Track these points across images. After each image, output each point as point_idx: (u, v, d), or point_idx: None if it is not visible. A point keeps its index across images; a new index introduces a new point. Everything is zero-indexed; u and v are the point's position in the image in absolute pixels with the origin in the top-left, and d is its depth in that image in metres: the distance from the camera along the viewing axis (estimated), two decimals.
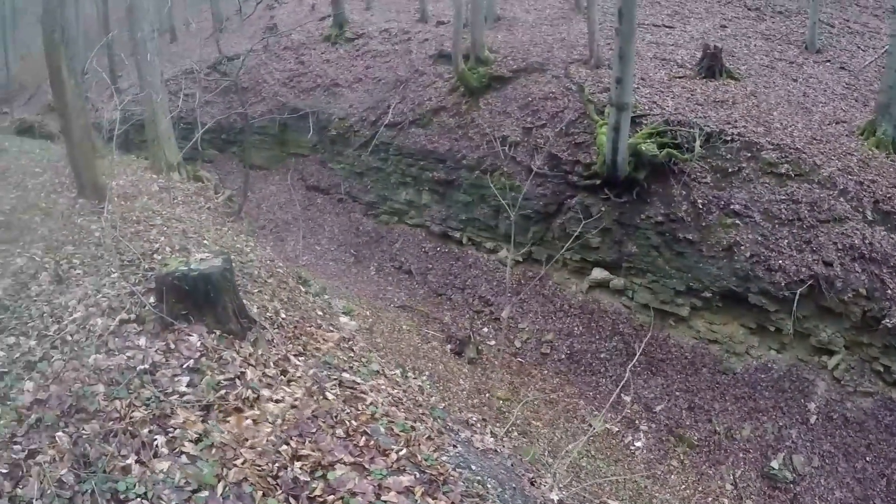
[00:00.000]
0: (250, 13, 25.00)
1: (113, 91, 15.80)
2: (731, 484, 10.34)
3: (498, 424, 9.30)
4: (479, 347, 12.29)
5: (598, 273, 13.39)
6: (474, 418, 8.17)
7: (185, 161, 14.14)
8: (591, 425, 11.71)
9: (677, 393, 12.29)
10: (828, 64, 15.38)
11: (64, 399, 4.09)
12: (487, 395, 10.86)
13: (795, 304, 10.51)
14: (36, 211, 8.55)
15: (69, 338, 5.08)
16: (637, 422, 12.16)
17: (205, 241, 8.13)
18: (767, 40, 16.66)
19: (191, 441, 3.87)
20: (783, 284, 10.73)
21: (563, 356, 12.94)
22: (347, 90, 17.72)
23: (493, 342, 12.96)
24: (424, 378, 8.46)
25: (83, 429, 3.85)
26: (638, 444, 11.91)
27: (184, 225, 8.67)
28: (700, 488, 10.27)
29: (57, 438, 3.74)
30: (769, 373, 11.27)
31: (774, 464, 10.31)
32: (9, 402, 4.09)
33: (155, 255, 6.86)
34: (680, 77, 14.76)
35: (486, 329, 13.22)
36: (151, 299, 5.34)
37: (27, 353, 4.85)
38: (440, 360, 11.51)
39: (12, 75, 29.63)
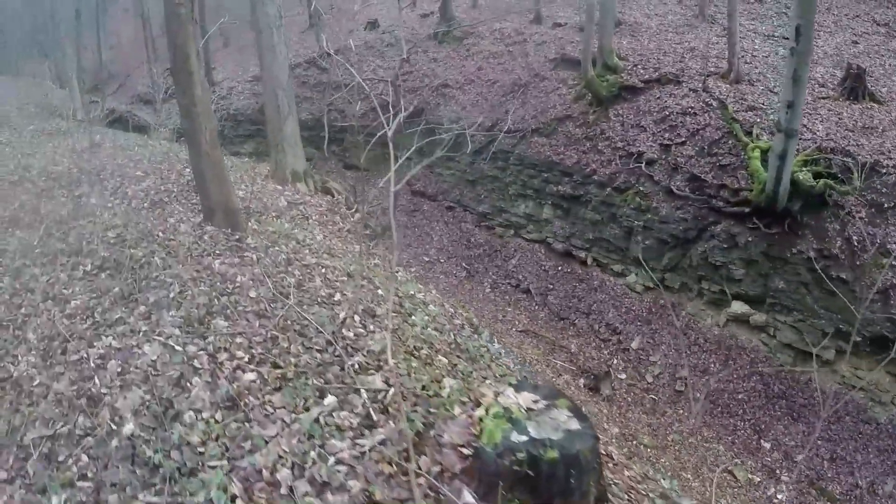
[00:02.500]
0: (356, 9, 24.21)
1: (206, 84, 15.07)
2: None
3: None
4: (613, 383, 11.32)
5: (737, 306, 12.36)
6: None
7: None
8: (735, 476, 10.80)
9: (819, 441, 11.28)
10: None
11: None
12: (634, 441, 9.90)
13: None
14: (152, 244, 6.79)
15: None
16: (777, 471, 11.15)
17: (378, 290, 6.51)
18: None
19: None
20: None
21: (699, 395, 11.94)
22: (458, 92, 16.87)
23: (623, 375, 11.98)
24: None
25: None
26: (780, 496, 10.93)
27: (341, 263, 7.32)
28: None
29: None
30: None
31: None
32: None
33: (349, 333, 5.21)
34: (823, 98, 13.53)
35: (614, 360, 12.25)
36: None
37: None
38: (576, 397, 10.57)
39: (103, 63, 29.50)
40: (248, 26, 30.12)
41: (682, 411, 11.76)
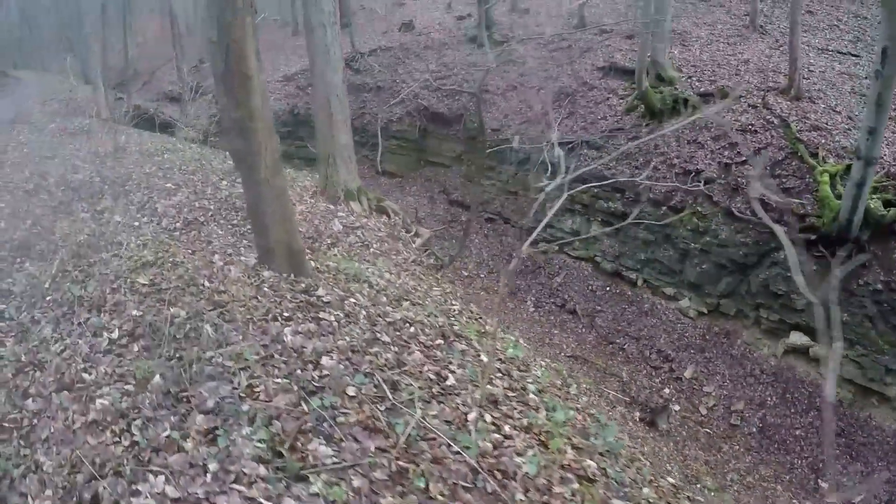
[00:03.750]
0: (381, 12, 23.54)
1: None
2: None
3: None
4: (670, 417, 10.71)
5: (796, 337, 11.76)
6: None
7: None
8: None
9: (880, 482, 10.73)
10: None
11: None
12: (698, 484, 9.28)
13: None
14: (197, 298, 5.28)
15: None
16: None
17: (480, 355, 5.30)
18: None
19: None
20: None
21: (755, 429, 11.43)
22: (500, 98, 16.19)
23: (676, 407, 11.35)
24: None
25: None
26: None
27: (428, 315, 6.07)
28: None
29: None
30: None
31: None
32: None
33: (485, 444, 3.84)
34: (890, 118, 12.80)
35: (666, 390, 11.62)
36: None
37: None
38: (633, 433, 9.95)
39: (129, 60, 28.83)
40: (274, 24, 29.68)
41: (737, 447, 11.17)
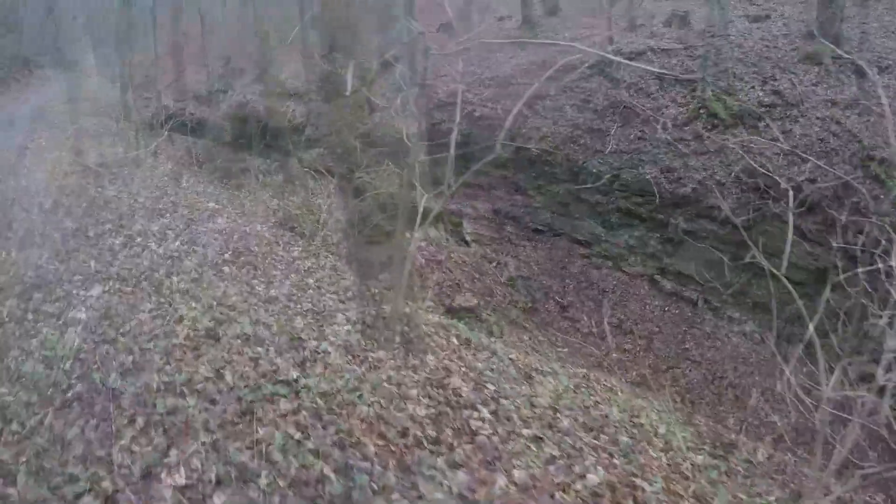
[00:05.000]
0: None
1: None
2: None
3: None
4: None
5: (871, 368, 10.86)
6: None
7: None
8: None
9: None
10: None
11: None
12: None
13: None
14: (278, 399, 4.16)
15: None
16: None
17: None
18: None
19: None
20: None
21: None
22: (549, 102, 15.40)
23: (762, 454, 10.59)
24: None
25: None
26: None
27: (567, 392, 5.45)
28: None
29: None
30: None
31: None
32: None
33: None
34: None
35: (730, 419, 10.84)
36: None
37: None
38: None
39: (157, 57, 27.95)
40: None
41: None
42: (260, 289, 5.78)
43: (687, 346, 12.03)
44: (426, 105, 15.79)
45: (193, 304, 5.08)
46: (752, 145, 12.46)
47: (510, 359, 6.25)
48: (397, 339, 4.99)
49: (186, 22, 28.25)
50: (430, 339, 5.72)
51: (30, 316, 5.18)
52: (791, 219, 4.51)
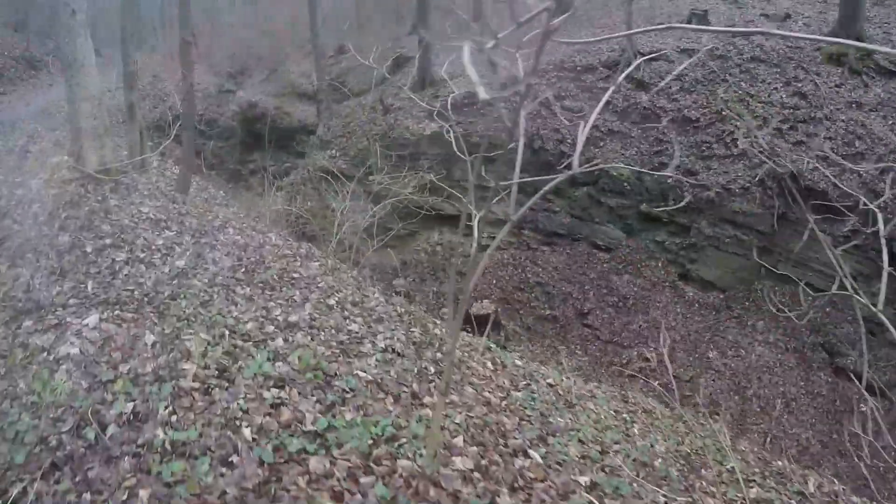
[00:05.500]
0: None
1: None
2: None
3: None
4: None
5: None
6: None
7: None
8: None
9: None
10: None
11: None
12: None
13: None
14: None
15: None
16: None
17: None
18: None
19: None
20: None
21: None
22: (569, 103, 14.76)
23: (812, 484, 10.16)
24: None
25: None
26: None
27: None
28: None
29: None
30: None
31: None
32: None
33: None
34: None
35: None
36: None
37: None
38: None
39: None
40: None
41: None
42: (277, 313, 5.34)
43: (710, 356, 11.60)
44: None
45: (203, 336, 4.63)
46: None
47: (548, 384, 5.85)
48: (431, 369, 4.61)
49: (195, 22, 27.42)
50: (464, 365, 5.33)
51: (18, 351, 4.61)
52: (884, 245, 4.07)
